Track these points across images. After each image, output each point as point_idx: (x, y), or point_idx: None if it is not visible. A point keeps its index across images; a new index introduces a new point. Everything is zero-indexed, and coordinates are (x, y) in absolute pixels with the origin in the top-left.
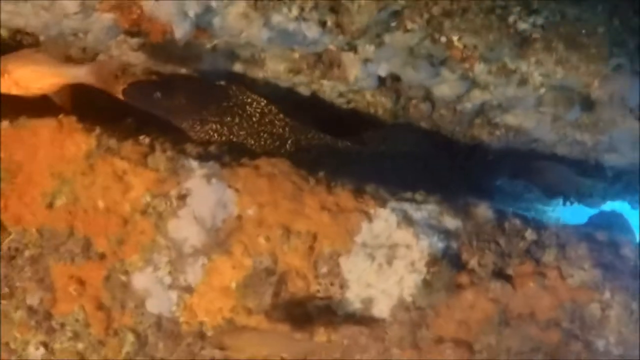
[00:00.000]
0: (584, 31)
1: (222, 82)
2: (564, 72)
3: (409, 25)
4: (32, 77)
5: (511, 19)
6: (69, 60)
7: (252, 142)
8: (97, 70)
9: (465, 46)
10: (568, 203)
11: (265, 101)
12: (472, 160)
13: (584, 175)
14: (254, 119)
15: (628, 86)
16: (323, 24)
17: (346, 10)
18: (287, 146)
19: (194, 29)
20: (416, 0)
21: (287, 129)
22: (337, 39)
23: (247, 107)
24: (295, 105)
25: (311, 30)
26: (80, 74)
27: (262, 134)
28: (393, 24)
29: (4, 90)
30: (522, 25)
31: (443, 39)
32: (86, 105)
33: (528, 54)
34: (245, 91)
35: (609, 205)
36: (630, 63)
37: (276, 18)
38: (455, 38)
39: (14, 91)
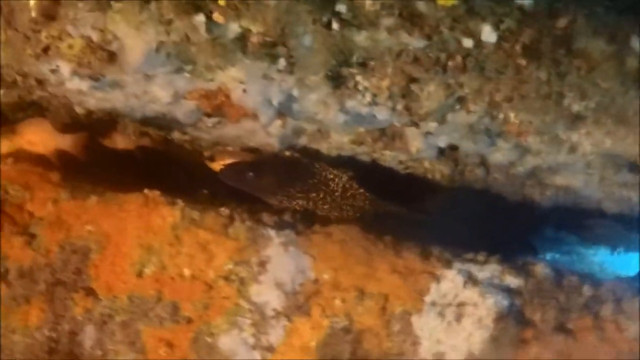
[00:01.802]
0: (631, 111)
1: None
2: (612, 142)
3: (472, 108)
4: (37, 140)
5: (566, 102)
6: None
7: (336, 214)
8: (75, 141)
9: (521, 122)
10: (610, 251)
11: (347, 177)
12: (521, 216)
13: (631, 227)
14: (336, 194)
15: None
16: (393, 108)
17: (416, 96)
18: (367, 217)
19: (276, 115)
20: (480, 89)
21: (367, 202)
22: (403, 119)
23: (330, 182)
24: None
25: (382, 114)
26: (66, 142)
27: (344, 207)
28: (457, 107)
29: (17, 146)
30: (576, 107)
31: (501, 116)
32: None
33: (579, 127)
34: (328, 168)
35: None
36: None
37: (350, 103)
38: (512, 115)
39: (25, 147)
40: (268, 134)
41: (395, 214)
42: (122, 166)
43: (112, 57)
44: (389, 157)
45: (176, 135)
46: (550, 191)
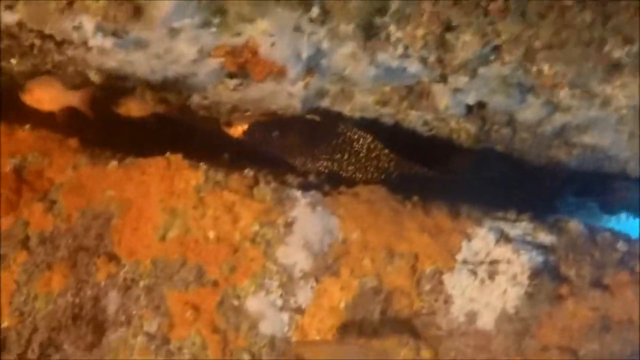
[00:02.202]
0: None
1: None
2: None
3: (507, 58)
4: (46, 98)
5: (607, 48)
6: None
7: (360, 176)
8: (83, 97)
9: (555, 74)
10: (626, 217)
11: (371, 137)
12: (543, 181)
13: None
14: (361, 155)
15: None
16: (425, 60)
17: (451, 46)
18: (392, 179)
19: (305, 70)
20: (519, 35)
21: (392, 163)
22: (434, 73)
23: (355, 143)
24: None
25: (413, 66)
26: (74, 99)
27: (369, 169)
28: (492, 57)
29: (27, 103)
30: (617, 54)
31: (534, 69)
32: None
33: (615, 78)
34: (353, 128)
35: None
36: None
37: (382, 56)
38: (546, 67)
39: (34, 105)
40: (290, 96)
41: (421, 175)
42: (138, 134)
43: (137, 11)
44: (414, 118)
45: (195, 100)
46: (577, 151)
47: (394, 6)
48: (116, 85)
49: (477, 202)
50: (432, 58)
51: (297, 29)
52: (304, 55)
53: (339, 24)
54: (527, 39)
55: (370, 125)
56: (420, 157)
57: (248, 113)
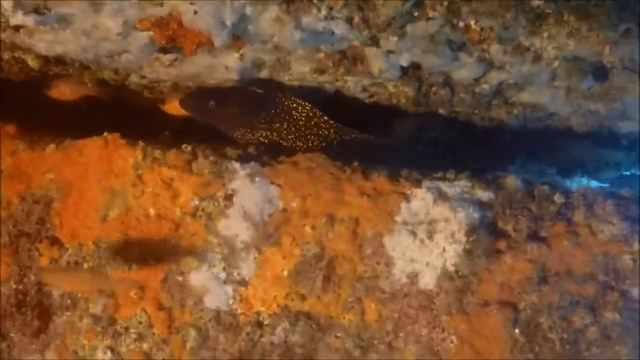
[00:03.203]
0: (592, 1)
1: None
2: (576, 43)
3: (431, 14)
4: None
5: None
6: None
7: (301, 144)
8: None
9: (482, 29)
10: (584, 180)
11: (309, 105)
12: (491, 142)
13: (600, 146)
14: (300, 123)
15: (637, 48)
16: (350, 20)
17: (372, 4)
18: (333, 146)
19: (231, 37)
20: None
21: (331, 130)
22: (362, 34)
23: (294, 112)
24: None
25: (339, 28)
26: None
27: (309, 137)
28: (416, 14)
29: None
30: (536, 2)
31: (461, 24)
32: None
33: (541, 29)
34: (291, 97)
35: None
36: (638, 27)
37: (306, 19)
38: (472, 22)
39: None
40: (227, 69)
41: (362, 141)
42: (74, 118)
43: None
44: (352, 84)
45: (134, 79)
46: (517, 110)
47: None
48: (55, 70)
49: (420, 166)
50: (356, 18)
51: None
52: (228, 21)
53: None
54: None
55: (312, 95)
56: (364, 123)
57: (181, 86)
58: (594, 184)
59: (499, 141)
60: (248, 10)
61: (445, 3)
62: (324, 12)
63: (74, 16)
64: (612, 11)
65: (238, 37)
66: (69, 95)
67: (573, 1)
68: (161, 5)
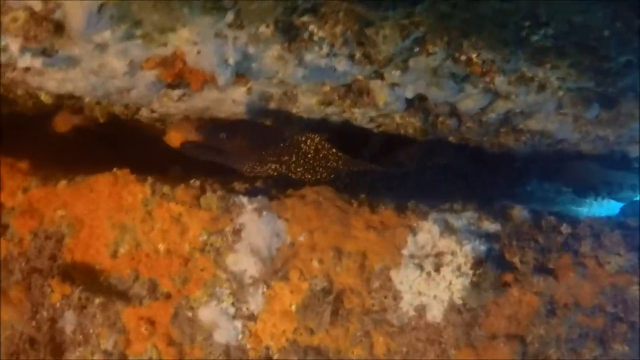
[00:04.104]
0: (591, 36)
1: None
2: (578, 74)
3: (431, 49)
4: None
5: (524, 33)
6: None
7: (309, 177)
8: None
9: (484, 61)
10: (600, 199)
11: (318, 138)
12: (502, 168)
13: (612, 169)
14: (309, 156)
15: (638, 80)
16: (352, 57)
17: (372, 41)
18: (342, 178)
19: (234, 75)
20: (436, 27)
21: (340, 162)
22: (365, 69)
23: (302, 145)
24: (328, 132)
25: (341, 64)
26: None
27: (317, 169)
28: (416, 50)
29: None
30: (534, 37)
31: (463, 58)
32: None
33: (544, 61)
34: (299, 130)
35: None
36: (638, 59)
37: (309, 56)
38: (474, 55)
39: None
40: (234, 103)
41: (370, 172)
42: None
43: (58, 28)
44: (359, 115)
45: (144, 113)
46: (525, 137)
47: (303, 5)
48: (69, 104)
49: (430, 194)
50: (358, 54)
51: (219, 35)
52: (231, 60)
53: (256, 26)
54: (444, 29)
55: (321, 125)
56: (373, 154)
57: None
58: (611, 203)
59: (509, 166)
60: (250, 49)
61: (446, 38)
62: (325, 49)
63: (81, 56)
64: (612, 44)
65: (242, 75)
66: (61, 127)
67: (572, 36)
68: (165, 45)
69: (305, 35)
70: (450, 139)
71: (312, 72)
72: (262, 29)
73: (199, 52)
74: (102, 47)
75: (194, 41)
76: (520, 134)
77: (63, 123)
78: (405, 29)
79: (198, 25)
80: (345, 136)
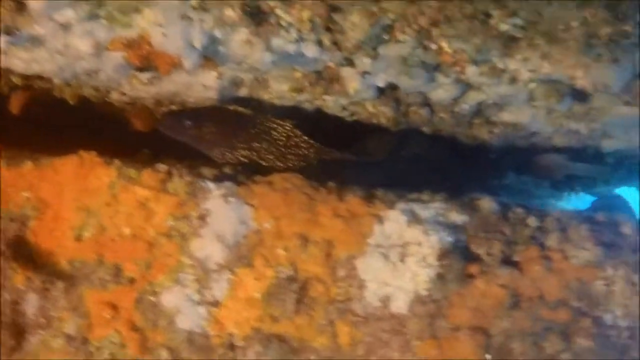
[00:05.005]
0: (560, 27)
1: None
2: (550, 66)
3: (400, 37)
4: None
5: (492, 21)
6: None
7: (280, 164)
8: None
9: (454, 51)
10: (575, 192)
11: (290, 125)
12: (476, 160)
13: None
14: (280, 143)
15: (609, 74)
16: (320, 43)
17: (340, 28)
18: (313, 166)
19: (202, 59)
20: (405, 13)
21: (311, 150)
22: (335, 56)
23: (273, 132)
24: (301, 120)
25: (310, 50)
26: None
27: (288, 157)
28: (385, 37)
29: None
30: (504, 27)
31: (433, 46)
32: None
33: (514, 52)
34: (271, 117)
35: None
36: (609, 52)
37: (276, 42)
38: (444, 44)
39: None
40: (205, 87)
41: (341, 160)
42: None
43: (21, 7)
44: (331, 103)
45: (114, 96)
46: (498, 129)
47: None
48: (40, 85)
49: (402, 185)
50: (326, 41)
51: (185, 17)
52: (197, 44)
53: (221, 9)
54: (413, 17)
55: (293, 112)
56: (347, 142)
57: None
58: (586, 197)
59: (484, 158)
60: (217, 32)
61: (415, 26)
62: (293, 34)
63: (45, 36)
64: (580, 37)
65: (210, 58)
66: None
67: (541, 26)
68: (130, 27)
69: (273, 20)
70: (424, 129)
71: (281, 57)
72: (228, 12)
73: (164, 35)
74: (66, 27)
75: (159, 23)
76: (493, 125)
77: (16, 103)
78: (373, 16)
79: (162, 7)
80: (319, 125)
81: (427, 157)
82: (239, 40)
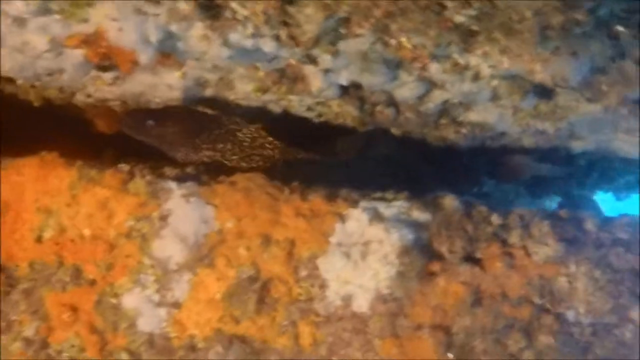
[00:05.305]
0: (515, 17)
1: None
2: (509, 60)
3: (358, 31)
4: None
5: (447, 13)
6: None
7: (245, 165)
8: None
9: (414, 46)
10: (552, 199)
11: (255, 126)
12: (449, 164)
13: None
14: (245, 144)
15: (567, 67)
16: (277, 37)
17: (296, 21)
18: (279, 167)
19: (159, 54)
20: (359, 5)
21: (276, 150)
22: (294, 52)
23: (238, 133)
24: (269, 123)
25: (267, 45)
26: None
27: (253, 157)
28: (343, 31)
29: None
30: (459, 19)
31: (393, 42)
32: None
33: (474, 47)
34: (236, 118)
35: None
36: (566, 45)
37: (234, 36)
38: (404, 39)
39: None
40: (170, 88)
41: (307, 161)
42: None
43: None
44: (297, 103)
45: (80, 97)
46: (466, 129)
47: None
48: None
49: (370, 186)
50: (283, 35)
51: (139, 11)
52: (153, 38)
53: (174, 2)
54: (367, 9)
55: (261, 114)
56: (312, 143)
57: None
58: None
59: (456, 161)
60: (173, 27)
61: (372, 20)
62: (250, 29)
63: (3, 33)
64: (536, 28)
65: (168, 54)
66: None
67: (497, 18)
68: (86, 22)
69: (229, 14)
70: (393, 131)
71: (239, 53)
72: (182, 5)
73: (120, 29)
74: (20, 22)
75: (113, 17)
76: (461, 126)
77: None
78: (327, 8)
79: (117, 1)
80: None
81: (396, 159)
82: (196, 35)
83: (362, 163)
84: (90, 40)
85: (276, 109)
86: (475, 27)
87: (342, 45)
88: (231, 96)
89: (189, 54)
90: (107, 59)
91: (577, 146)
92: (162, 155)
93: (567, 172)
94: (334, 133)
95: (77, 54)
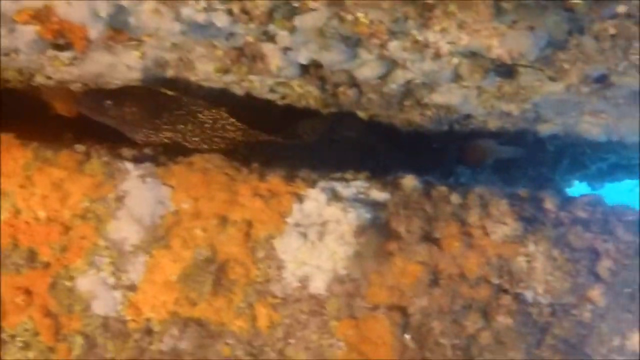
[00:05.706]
0: None
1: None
2: (467, 36)
3: (312, 4)
4: None
5: None
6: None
7: (206, 147)
8: None
9: (371, 21)
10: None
11: (216, 108)
12: (418, 148)
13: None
14: (206, 125)
15: (524, 42)
16: (230, 12)
17: None
18: (241, 149)
19: (109, 29)
20: None
21: (238, 132)
22: (250, 28)
23: (199, 114)
24: (233, 105)
25: (220, 20)
26: None
27: (215, 139)
28: (296, 4)
29: None
30: None
31: (349, 17)
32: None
33: (431, 23)
34: (197, 100)
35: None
36: (522, 18)
37: (185, 11)
38: (360, 15)
39: None
40: (129, 68)
41: (270, 143)
42: None
43: None
44: (258, 84)
45: (39, 79)
46: (431, 111)
47: None
48: None
49: (330, 168)
50: (235, 9)
51: None
52: (103, 13)
53: None
54: None
55: (224, 96)
56: (276, 126)
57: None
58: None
59: (427, 146)
60: (125, 2)
61: None
62: (202, 3)
63: None
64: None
65: (120, 30)
66: None
67: None
68: None
69: None
70: (360, 114)
71: (192, 27)
72: None
73: (69, 4)
74: None
75: None
76: (425, 108)
77: None
78: None
79: None
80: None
81: (362, 143)
82: (148, 9)
83: (326, 146)
84: (40, 16)
85: (239, 90)
86: (429, 0)
87: (297, 21)
88: (192, 77)
89: (142, 30)
90: (60, 36)
91: (544, 129)
92: (122, 137)
93: (525, 153)
94: (298, 116)
95: (29, 31)
